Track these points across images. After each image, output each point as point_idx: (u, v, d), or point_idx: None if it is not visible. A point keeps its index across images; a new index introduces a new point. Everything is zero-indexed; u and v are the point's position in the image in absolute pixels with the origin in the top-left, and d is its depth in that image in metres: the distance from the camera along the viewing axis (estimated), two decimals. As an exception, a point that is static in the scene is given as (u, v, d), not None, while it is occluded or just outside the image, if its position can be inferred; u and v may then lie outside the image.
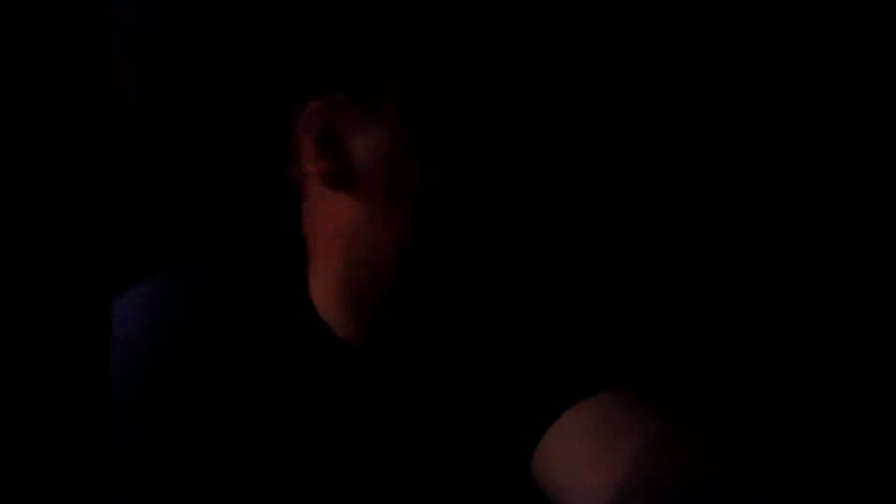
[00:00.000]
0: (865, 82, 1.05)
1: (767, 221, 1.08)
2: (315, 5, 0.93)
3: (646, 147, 1.08)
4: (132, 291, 0.90)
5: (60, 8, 0.63)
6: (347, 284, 0.88)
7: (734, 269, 1.07)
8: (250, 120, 1.04)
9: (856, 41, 1.05)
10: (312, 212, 0.89)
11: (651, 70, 1.06)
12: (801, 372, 1.05)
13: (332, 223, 0.87)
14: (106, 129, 0.64)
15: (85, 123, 0.64)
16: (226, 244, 0.99)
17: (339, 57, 0.84)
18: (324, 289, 0.89)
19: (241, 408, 0.85)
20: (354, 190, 0.85)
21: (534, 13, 1.02)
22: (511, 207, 0.86)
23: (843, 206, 1.07)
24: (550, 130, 0.99)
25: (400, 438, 0.86)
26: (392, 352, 0.88)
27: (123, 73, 0.96)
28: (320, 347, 0.88)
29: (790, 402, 1.00)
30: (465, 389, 0.87)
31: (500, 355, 0.88)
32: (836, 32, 1.05)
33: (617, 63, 1.06)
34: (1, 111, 0.62)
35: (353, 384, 0.87)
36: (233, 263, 0.92)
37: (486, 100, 0.86)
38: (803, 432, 0.91)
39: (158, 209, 1.06)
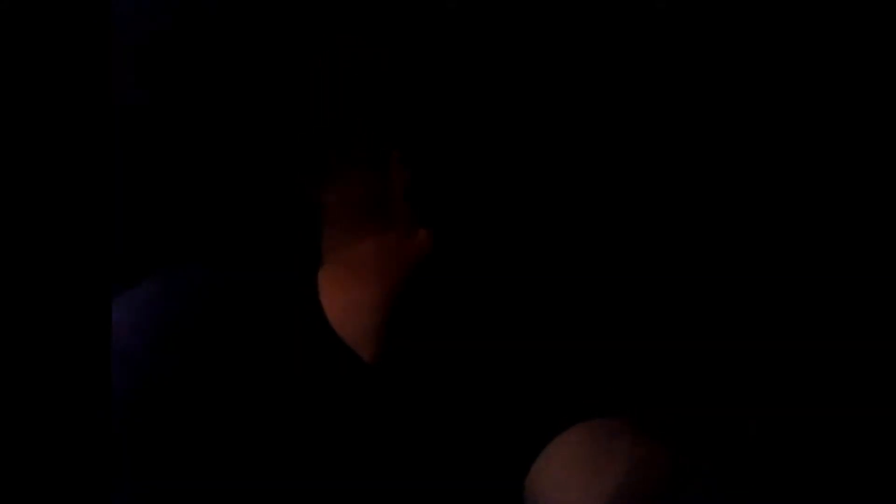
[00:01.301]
0: (865, 82, 1.05)
1: (763, 226, 1.08)
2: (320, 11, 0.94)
3: (645, 148, 1.07)
4: (129, 292, 0.90)
5: (61, 8, 0.63)
6: (367, 300, 0.89)
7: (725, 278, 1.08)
8: (264, 128, 1.04)
9: (856, 41, 1.05)
10: (335, 229, 0.90)
11: (651, 70, 1.06)
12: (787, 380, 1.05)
13: (356, 241, 0.88)
14: (108, 131, 0.64)
15: (86, 124, 0.64)
16: (234, 248, 0.99)
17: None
18: (340, 303, 0.90)
19: (241, 416, 0.86)
20: (382, 213, 0.87)
21: (533, 15, 1.02)
22: (520, 225, 0.88)
23: (843, 209, 1.07)
24: (549, 134, 1.00)
25: (398, 456, 0.87)
26: (404, 368, 0.89)
27: (128, 74, 0.96)
28: (334, 361, 0.89)
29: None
30: (461, 412, 0.89)
31: (496, 380, 0.90)
32: (837, 32, 1.05)
33: (616, 64, 1.06)
34: (1, 111, 0.62)
35: (364, 398, 0.87)
36: (239, 267, 0.93)
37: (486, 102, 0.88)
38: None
39: (166, 212, 1.06)
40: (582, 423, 0.85)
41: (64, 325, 0.63)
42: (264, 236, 1.03)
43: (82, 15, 0.63)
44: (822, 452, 1.01)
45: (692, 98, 1.07)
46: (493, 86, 1.05)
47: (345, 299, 0.89)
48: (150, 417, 0.84)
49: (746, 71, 1.06)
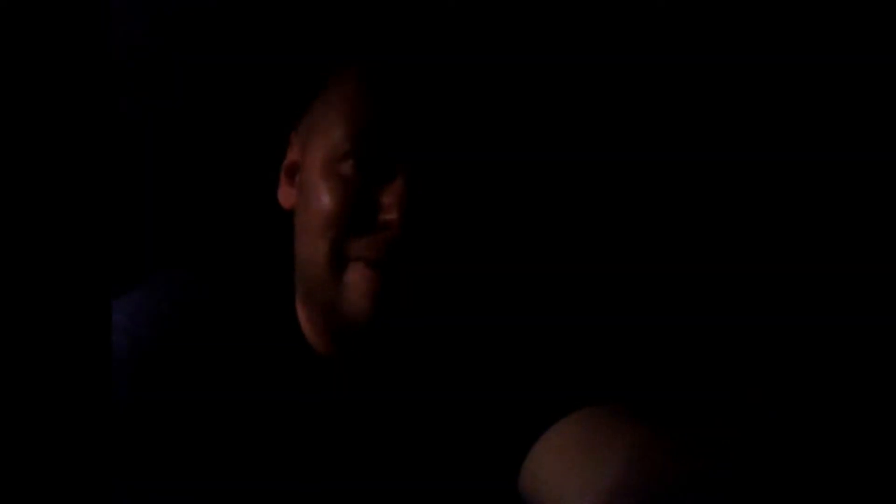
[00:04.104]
0: (865, 83, 1.05)
1: (761, 224, 1.08)
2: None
3: (643, 146, 1.08)
4: (119, 301, 0.91)
5: (60, 9, 0.63)
6: (301, 298, 0.91)
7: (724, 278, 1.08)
8: (257, 136, 1.04)
9: (855, 41, 1.05)
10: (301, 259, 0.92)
11: (650, 69, 1.07)
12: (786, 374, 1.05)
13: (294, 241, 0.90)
14: (107, 134, 0.64)
15: (85, 128, 0.64)
16: (229, 254, 1.00)
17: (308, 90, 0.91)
18: (297, 301, 0.91)
19: (218, 417, 0.87)
20: (296, 211, 0.90)
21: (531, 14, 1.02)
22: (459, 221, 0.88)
23: (841, 207, 1.07)
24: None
25: (369, 448, 0.87)
26: (361, 362, 0.89)
27: (126, 85, 0.96)
28: (293, 358, 0.90)
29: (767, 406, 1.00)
30: (444, 403, 0.89)
31: (482, 369, 0.90)
32: (836, 32, 1.05)
33: (616, 63, 1.06)
34: (1, 116, 0.63)
35: (324, 392, 0.88)
36: (231, 275, 0.94)
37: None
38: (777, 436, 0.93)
39: (163, 216, 1.06)
40: (578, 411, 0.84)
41: (64, 326, 0.64)
42: (260, 248, 1.03)
43: (81, 18, 0.64)
44: (822, 445, 1.01)
45: (691, 97, 1.07)
46: (493, 84, 1.05)
47: (297, 297, 0.91)
48: (139, 420, 0.85)
49: (745, 70, 1.07)
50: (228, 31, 1.02)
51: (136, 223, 1.03)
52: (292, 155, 0.93)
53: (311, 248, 0.86)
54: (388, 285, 0.84)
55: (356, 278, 0.84)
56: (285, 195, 0.92)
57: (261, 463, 0.86)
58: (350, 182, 0.85)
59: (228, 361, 0.88)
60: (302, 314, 0.91)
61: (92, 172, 0.64)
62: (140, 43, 0.97)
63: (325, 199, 0.86)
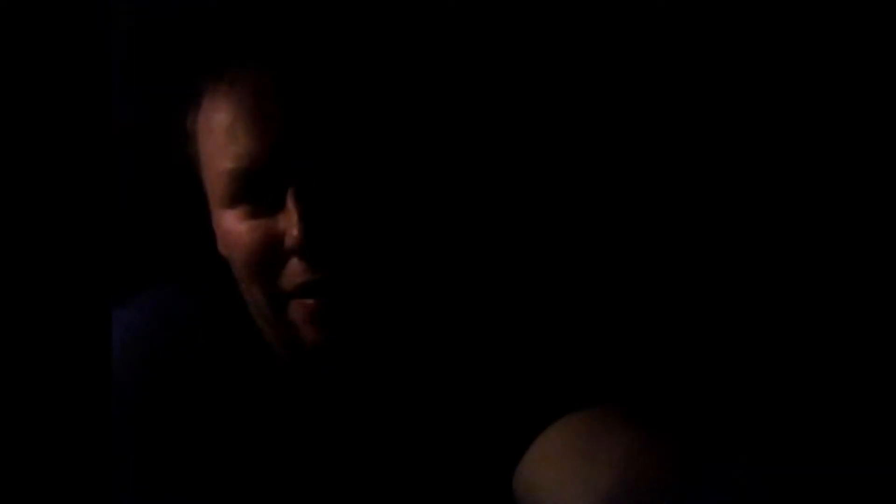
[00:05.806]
0: (865, 83, 1.05)
1: (761, 225, 1.08)
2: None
3: (643, 146, 1.08)
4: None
5: (61, 13, 0.63)
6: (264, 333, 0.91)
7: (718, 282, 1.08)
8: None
9: (856, 41, 1.05)
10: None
11: (650, 69, 1.06)
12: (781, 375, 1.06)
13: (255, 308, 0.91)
14: (104, 140, 0.64)
15: (83, 137, 0.64)
16: (199, 269, 1.00)
17: None
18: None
19: (205, 431, 0.88)
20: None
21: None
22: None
23: (840, 210, 1.07)
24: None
25: (357, 456, 0.88)
26: (324, 368, 0.89)
27: (126, 85, 0.96)
28: (262, 365, 0.91)
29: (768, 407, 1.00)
30: (433, 410, 0.89)
31: (471, 375, 0.90)
32: (836, 32, 1.05)
33: (616, 63, 1.06)
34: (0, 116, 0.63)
35: (290, 398, 0.89)
36: (203, 290, 0.94)
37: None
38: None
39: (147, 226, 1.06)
40: (571, 414, 0.84)
41: (64, 331, 0.64)
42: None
43: (81, 17, 0.64)
44: (823, 438, 1.01)
45: (691, 97, 1.07)
46: (493, 85, 1.05)
47: (271, 343, 0.92)
48: (128, 434, 0.86)
49: (745, 70, 1.07)
50: (230, 31, 1.01)
51: (135, 225, 1.03)
52: None
53: (249, 294, 0.88)
54: (329, 306, 0.84)
55: (296, 315, 0.85)
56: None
57: (253, 474, 0.87)
58: (255, 220, 0.85)
59: (215, 378, 0.89)
60: (272, 343, 0.91)
61: (91, 173, 0.64)
62: (140, 42, 0.97)
63: (240, 245, 0.86)
